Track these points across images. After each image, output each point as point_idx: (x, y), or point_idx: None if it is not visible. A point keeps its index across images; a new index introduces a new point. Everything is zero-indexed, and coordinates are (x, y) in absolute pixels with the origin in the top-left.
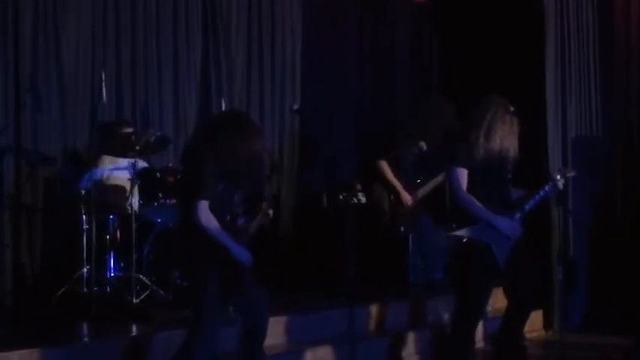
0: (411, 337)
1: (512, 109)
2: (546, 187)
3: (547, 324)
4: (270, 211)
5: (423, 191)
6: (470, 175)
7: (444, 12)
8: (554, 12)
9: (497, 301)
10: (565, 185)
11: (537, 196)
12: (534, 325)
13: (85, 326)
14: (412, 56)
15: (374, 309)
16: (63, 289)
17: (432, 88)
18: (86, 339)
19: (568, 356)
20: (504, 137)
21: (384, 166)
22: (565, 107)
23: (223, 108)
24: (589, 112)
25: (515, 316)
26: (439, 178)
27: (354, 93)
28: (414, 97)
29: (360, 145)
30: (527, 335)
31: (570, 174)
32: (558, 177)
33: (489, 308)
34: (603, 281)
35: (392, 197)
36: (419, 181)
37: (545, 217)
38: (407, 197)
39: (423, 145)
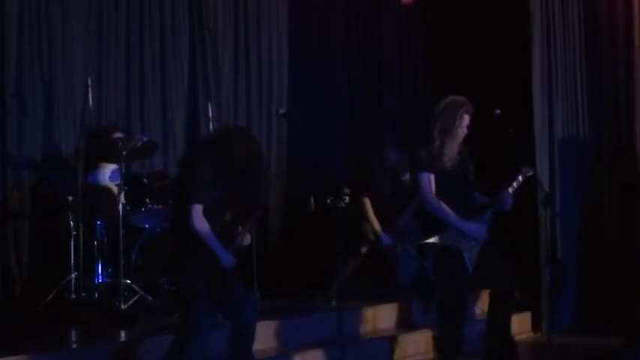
0: (400, 339)
1: (469, 109)
2: (502, 201)
3: (535, 326)
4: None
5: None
6: (437, 180)
7: (431, 13)
8: (540, 12)
9: (486, 303)
10: (520, 189)
11: (493, 210)
12: (523, 327)
13: (73, 332)
14: (400, 58)
15: (363, 311)
16: (51, 295)
17: (419, 90)
18: (75, 345)
19: (556, 358)
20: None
21: (367, 203)
22: (552, 108)
23: (210, 113)
24: (576, 113)
25: (498, 309)
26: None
27: (342, 96)
28: (401, 99)
29: (348, 149)
30: (516, 337)
31: (529, 174)
32: (516, 181)
33: (478, 310)
34: (592, 283)
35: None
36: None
37: (533, 219)
38: (384, 238)
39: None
